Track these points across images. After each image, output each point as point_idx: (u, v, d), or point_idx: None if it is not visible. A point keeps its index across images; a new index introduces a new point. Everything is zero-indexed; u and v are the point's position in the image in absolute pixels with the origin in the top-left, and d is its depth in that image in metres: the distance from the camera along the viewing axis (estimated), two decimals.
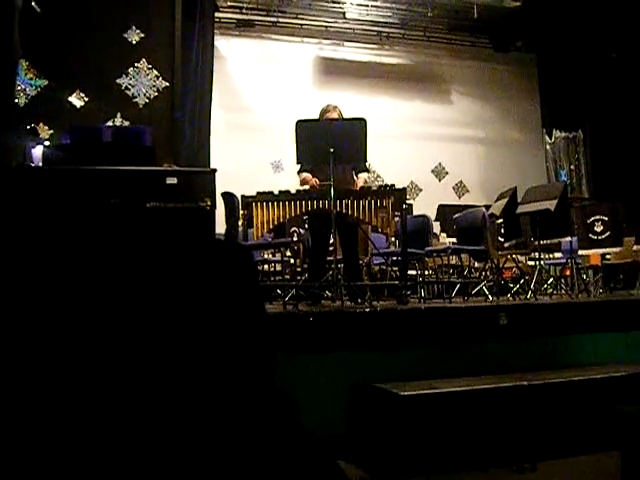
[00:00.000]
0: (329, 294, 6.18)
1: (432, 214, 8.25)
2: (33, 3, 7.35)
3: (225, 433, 1.15)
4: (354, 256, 5.98)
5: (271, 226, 5.31)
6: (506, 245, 7.21)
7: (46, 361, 1.11)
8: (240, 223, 5.87)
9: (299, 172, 5.94)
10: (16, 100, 7.80)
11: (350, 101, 10.60)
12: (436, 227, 8.41)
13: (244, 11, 11.01)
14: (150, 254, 1.23)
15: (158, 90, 8.83)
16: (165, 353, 1.16)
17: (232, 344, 1.22)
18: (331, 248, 5.73)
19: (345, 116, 6.01)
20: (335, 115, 5.93)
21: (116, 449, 1.09)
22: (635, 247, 7.81)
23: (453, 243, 7.59)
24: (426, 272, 7.92)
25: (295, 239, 7.55)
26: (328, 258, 5.96)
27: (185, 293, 1.21)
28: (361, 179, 5.86)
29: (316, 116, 5.99)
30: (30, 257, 1.20)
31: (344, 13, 11.32)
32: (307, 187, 5.76)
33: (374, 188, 5.42)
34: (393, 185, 5.35)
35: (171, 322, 1.18)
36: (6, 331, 1.11)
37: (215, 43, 10.36)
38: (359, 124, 5.27)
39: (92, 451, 1.09)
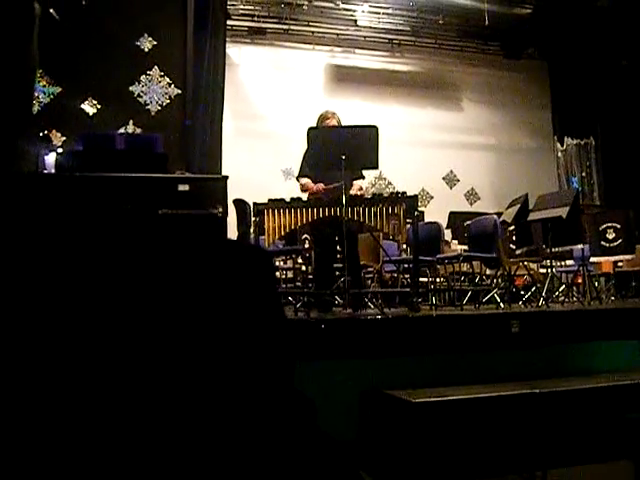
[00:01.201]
0: (340, 301, 6.17)
1: (443, 221, 8.24)
2: (51, 10, 7.40)
3: (246, 435, 1.15)
4: (354, 263, 5.78)
5: (282, 233, 5.31)
6: (518, 252, 7.19)
7: (67, 364, 1.12)
8: (252, 230, 5.88)
9: (298, 177, 5.91)
10: None
11: (361, 108, 10.65)
12: (447, 234, 8.40)
13: (256, 19, 11.06)
14: (171, 259, 1.24)
15: (170, 97, 8.87)
16: (185, 356, 1.17)
17: (253, 346, 1.23)
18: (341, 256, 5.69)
19: (346, 123, 5.97)
20: (334, 122, 5.90)
21: (130, 450, 1.10)
22: None
23: (464, 250, 7.56)
24: (437, 279, 7.91)
25: (306, 246, 7.55)
26: (335, 265, 5.90)
27: (207, 296, 1.22)
28: (355, 186, 5.76)
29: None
30: (44, 264, 1.21)
31: (356, 21, 11.36)
32: (307, 194, 5.73)
33: (385, 195, 5.41)
34: (404, 192, 5.34)
35: (193, 325, 1.19)
36: (23, 335, 1.12)
37: (227, 51, 10.39)
38: (371, 131, 5.26)
39: (103, 451, 1.10)
